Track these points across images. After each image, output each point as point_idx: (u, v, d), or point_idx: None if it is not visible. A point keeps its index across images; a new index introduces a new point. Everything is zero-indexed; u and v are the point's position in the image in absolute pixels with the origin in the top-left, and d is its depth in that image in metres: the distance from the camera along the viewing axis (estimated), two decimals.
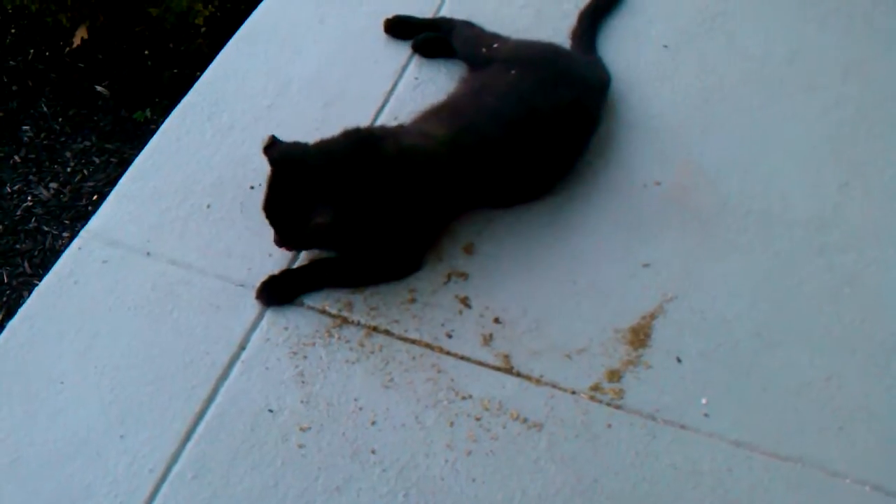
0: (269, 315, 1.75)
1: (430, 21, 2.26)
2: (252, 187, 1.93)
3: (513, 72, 1.94)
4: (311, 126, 2.04)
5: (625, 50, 2.22)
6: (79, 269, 1.81)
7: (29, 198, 2.75)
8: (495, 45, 2.07)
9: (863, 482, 1.57)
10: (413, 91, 2.13)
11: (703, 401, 1.66)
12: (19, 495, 1.55)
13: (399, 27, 2.24)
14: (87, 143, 2.88)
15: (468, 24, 2.20)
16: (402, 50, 2.21)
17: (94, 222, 1.88)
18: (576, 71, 2.03)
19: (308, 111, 2.08)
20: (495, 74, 1.97)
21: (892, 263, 1.85)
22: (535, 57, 2.01)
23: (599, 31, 2.26)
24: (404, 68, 2.18)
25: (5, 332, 1.73)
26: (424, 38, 2.22)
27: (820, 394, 1.67)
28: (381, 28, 2.25)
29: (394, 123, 2.04)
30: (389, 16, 2.25)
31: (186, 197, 1.93)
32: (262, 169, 1.94)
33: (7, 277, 2.56)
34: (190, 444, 1.59)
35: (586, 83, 2.03)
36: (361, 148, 1.75)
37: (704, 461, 1.59)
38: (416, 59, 2.20)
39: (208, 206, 1.91)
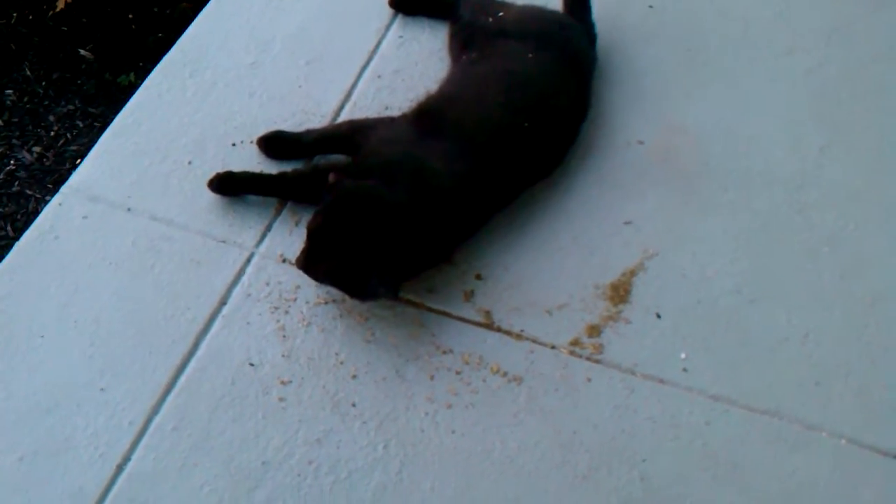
0: (251, 271, 1.75)
1: None
2: (234, 144, 1.93)
3: (529, 53, 1.92)
4: (294, 84, 2.04)
5: (609, 9, 2.20)
6: (59, 225, 1.80)
7: (12, 161, 2.73)
8: (500, 14, 2.05)
9: (838, 435, 1.59)
10: (397, 49, 2.12)
11: (682, 356, 1.67)
12: None
13: None
14: (71, 107, 2.86)
15: None
16: (386, 8, 2.19)
17: (75, 178, 1.88)
18: (580, 51, 2.03)
19: (291, 68, 2.07)
20: (503, 62, 1.92)
21: (871, 223, 1.86)
22: (541, 35, 1.98)
23: None
24: (388, 26, 2.17)
25: None
26: None
27: (798, 349, 1.69)
28: None
29: (377, 81, 2.04)
30: None
31: (168, 153, 1.92)
32: (243, 126, 1.96)
33: None
34: (170, 397, 1.60)
35: (587, 62, 2.04)
36: (420, 188, 1.70)
37: (683, 415, 1.60)
38: (401, 18, 2.18)
39: (190, 163, 1.90)
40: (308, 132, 1.92)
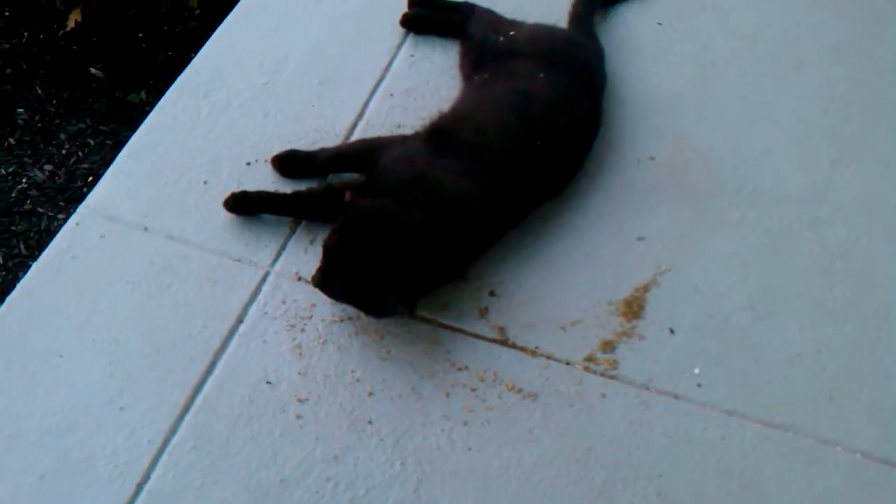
0: (267, 289, 1.76)
1: (451, 3, 2.24)
2: (248, 163, 1.94)
3: (541, 72, 1.94)
4: (307, 103, 2.06)
5: (618, 27, 2.23)
6: (77, 244, 1.82)
7: (24, 180, 2.76)
8: (511, 33, 2.07)
9: (853, 450, 1.60)
10: (409, 68, 2.14)
11: (696, 371, 1.68)
12: (19, 467, 1.56)
13: (423, 4, 2.24)
14: (82, 126, 2.88)
15: (488, 11, 2.19)
16: (398, 27, 2.21)
17: (92, 198, 1.89)
18: (591, 69, 2.05)
19: (304, 88, 2.09)
20: (514, 81, 1.94)
21: (882, 238, 1.88)
22: (552, 53, 2.01)
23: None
24: (400, 46, 2.19)
25: (4, 306, 1.74)
26: (414, 13, 2.22)
27: (811, 364, 1.70)
28: (377, 5, 2.26)
29: (389, 100, 2.06)
30: None
31: (183, 173, 1.93)
32: (258, 145, 1.98)
33: (3, 259, 2.57)
34: (189, 416, 1.61)
35: (598, 80, 2.06)
36: (434, 204, 1.71)
37: (697, 430, 1.61)
38: (412, 37, 2.20)
39: (205, 183, 1.92)
40: (322, 151, 1.93)
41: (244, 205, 1.85)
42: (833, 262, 1.84)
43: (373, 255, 1.63)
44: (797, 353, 1.71)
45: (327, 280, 1.66)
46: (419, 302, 1.73)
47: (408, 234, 1.65)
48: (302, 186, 1.88)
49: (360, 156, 1.90)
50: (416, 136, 1.87)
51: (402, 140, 1.89)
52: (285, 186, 1.89)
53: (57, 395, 1.63)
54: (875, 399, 1.65)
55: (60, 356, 1.68)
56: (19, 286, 1.77)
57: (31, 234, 2.63)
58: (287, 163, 1.92)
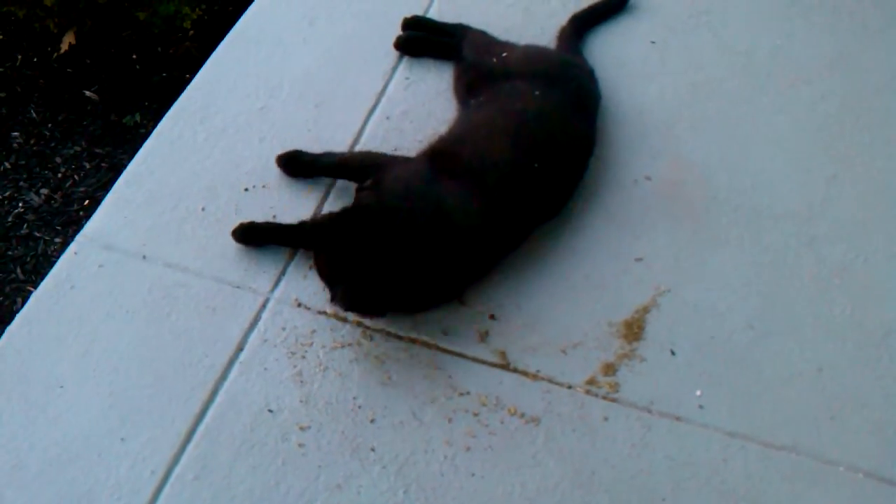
0: (267, 316, 1.76)
1: (445, 25, 2.25)
2: (246, 189, 1.94)
3: (536, 92, 1.95)
4: (304, 127, 2.06)
5: (612, 46, 2.24)
6: (75, 274, 1.81)
7: (20, 204, 2.75)
8: (504, 55, 2.08)
9: (856, 469, 1.60)
10: (404, 91, 2.14)
11: (698, 392, 1.68)
12: (21, 500, 1.55)
13: (416, 27, 2.25)
14: (78, 149, 2.87)
15: (482, 33, 2.21)
16: (392, 50, 2.22)
17: (90, 227, 1.89)
18: (585, 89, 2.06)
19: (300, 112, 2.09)
20: (509, 103, 1.95)
21: (881, 254, 1.88)
22: (546, 74, 2.01)
23: (588, 34, 2.28)
24: (395, 68, 2.19)
25: (3, 337, 1.73)
26: (408, 36, 2.23)
27: (812, 383, 1.70)
28: (371, 28, 2.26)
29: (386, 123, 2.06)
30: (408, 15, 2.27)
31: (181, 200, 1.93)
32: (255, 171, 1.97)
33: (0, 284, 2.56)
34: (190, 446, 1.60)
35: (592, 100, 2.07)
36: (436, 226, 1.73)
37: (700, 452, 1.61)
38: (407, 59, 2.21)
39: (203, 209, 1.92)
40: (328, 155, 1.95)
41: (253, 235, 1.85)
42: (832, 280, 1.84)
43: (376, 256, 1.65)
44: (798, 373, 1.71)
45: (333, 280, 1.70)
46: (418, 325, 1.73)
47: (412, 237, 1.67)
48: (303, 210, 1.89)
49: (364, 167, 1.89)
50: (418, 158, 1.88)
51: (404, 160, 1.89)
52: (284, 213, 1.89)
53: (58, 426, 1.63)
54: (877, 418, 1.66)
55: (61, 387, 1.67)
56: (18, 317, 1.76)
57: (28, 259, 2.62)
58: (291, 162, 1.95)
